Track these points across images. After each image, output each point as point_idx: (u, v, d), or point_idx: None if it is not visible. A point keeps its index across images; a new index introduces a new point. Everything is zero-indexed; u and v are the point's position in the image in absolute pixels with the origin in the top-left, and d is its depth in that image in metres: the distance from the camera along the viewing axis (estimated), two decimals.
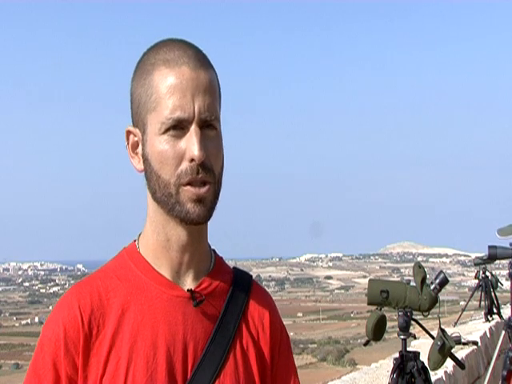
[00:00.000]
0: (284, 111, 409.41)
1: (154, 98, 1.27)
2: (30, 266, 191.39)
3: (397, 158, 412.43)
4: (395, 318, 3.84)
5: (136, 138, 1.32)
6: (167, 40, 1.32)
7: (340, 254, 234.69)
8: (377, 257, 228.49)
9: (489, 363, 7.59)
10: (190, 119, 1.25)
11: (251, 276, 1.44)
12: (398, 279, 4.13)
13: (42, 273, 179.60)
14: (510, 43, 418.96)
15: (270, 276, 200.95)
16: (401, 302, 3.75)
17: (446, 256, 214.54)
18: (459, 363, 4.14)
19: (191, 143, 1.24)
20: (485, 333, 8.56)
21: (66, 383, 1.25)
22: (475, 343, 5.62)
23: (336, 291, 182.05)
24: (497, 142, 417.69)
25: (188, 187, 1.26)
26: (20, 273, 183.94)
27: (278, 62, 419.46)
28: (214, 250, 1.41)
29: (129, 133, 1.33)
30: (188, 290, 1.30)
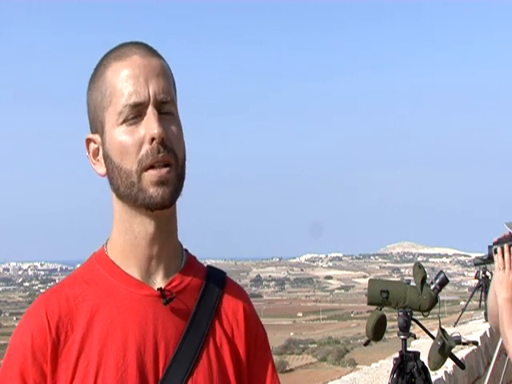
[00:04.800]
0: (284, 111, 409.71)
1: (108, 93, 1.27)
2: (29, 266, 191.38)
3: (397, 158, 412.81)
4: (395, 317, 3.84)
5: (96, 145, 1.31)
6: (118, 44, 1.34)
7: (340, 254, 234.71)
8: (377, 257, 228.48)
9: (489, 363, 7.59)
10: (146, 102, 1.25)
11: (225, 273, 1.42)
12: (398, 279, 4.13)
13: (42, 273, 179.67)
14: (510, 43, 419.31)
15: (269, 276, 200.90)
16: (401, 302, 3.75)
17: (446, 256, 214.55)
18: (459, 363, 4.14)
19: (150, 123, 1.24)
20: (485, 333, 8.56)
21: None
22: (475, 343, 5.61)
23: (336, 291, 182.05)
24: (497, 142, 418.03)
25: (150, 171, 1.24)
26: (20, 273, 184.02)
27: (278, 62, 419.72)
28: (186, 250, 1.39)
29: (89, 141, 1.32)
30: (158, 289, 1.28)
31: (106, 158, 1.28)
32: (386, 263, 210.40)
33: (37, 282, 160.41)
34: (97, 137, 1.31)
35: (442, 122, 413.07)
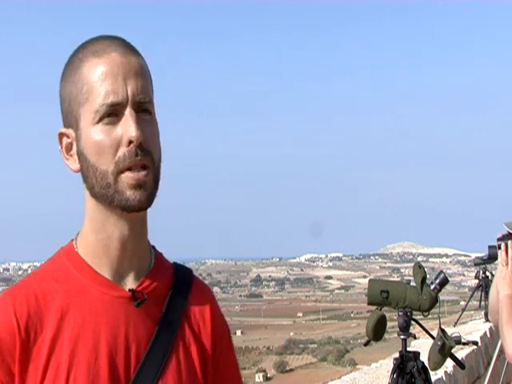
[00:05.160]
0: (284, 111, 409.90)
1: (85, 90, 1.24)
2: (30, 266, 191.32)
3: (397, 158, 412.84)
4: (395, 318, 3.84)
5: (69, 140, 1.28)
6: (94, 37, 1.30)
7: (340, 254, 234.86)
8: (377, 257, 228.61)
9: (489, 363, 7.59)
10: (123, 102, 1.22)
11: (191, 271, 1.41)
12: (398, 279, 4.13)
13: None
14: (510, 43, 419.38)
15: (270, 276, 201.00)
16: (401, 302, 3.75)
17: (446, 256, 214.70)
18: (459, 363, 4.14)
19: (127, 125, 1.21)
20: (485, 333, 8.56)
21: None
22: (475, 343, 5.62)
23: (336, 291, 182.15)
24: (497, 142, 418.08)
25: (126, 173, 1.22)
26: (20, 273, 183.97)
27: (278, 62, 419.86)
28: (153, 246, 1.37)
29: (61, 135, 1.29)
30: (129, 290, 1.27)
31: (81, 155, 1.25)
32: (386, 263, 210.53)
33: None
34: (70, 131, 1.27)
35: (442, 122, 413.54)
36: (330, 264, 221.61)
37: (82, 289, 1.26)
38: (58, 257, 1.31)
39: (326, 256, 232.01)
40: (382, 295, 3.74)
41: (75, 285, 1.26)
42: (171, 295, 1.32)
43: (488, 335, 8.60)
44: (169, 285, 1.34)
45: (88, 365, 1.21)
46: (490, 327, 8.92)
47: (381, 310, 3.80)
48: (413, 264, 3.98)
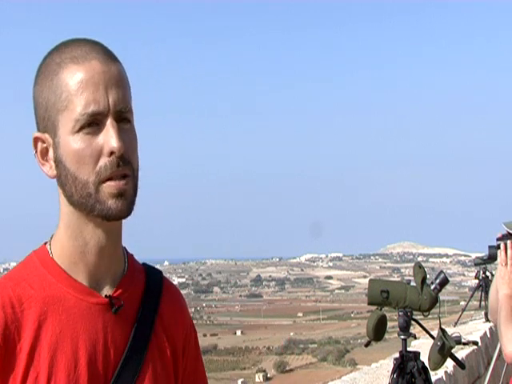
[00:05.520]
0: (284, 111, 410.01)
1: (64, 97, 1.22)
2: None
3: (397, 158, 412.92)
4: (395, 318, 3.84)
5: (45, 145, 1.26)
6: (71, 39, 1.28)
7: (340, 254, 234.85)
8: (377, 257, 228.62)
9: (489, 363, 7.60)
10: (105, 112, 1.21)
11: (161, 272, 1.43)
12: (399, 279, 4.13)
13: None
14: (510, 43, 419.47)
15: (270, 276, 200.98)
16: (401, 302, 3.75)
17: (446, 256, 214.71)
18: (459, 363, 4.14)
19: (109, 136, 1.21)
20: (485, 333, 8.56)
21: None
22: (475, 343, 5.61)
23: (336, 291, 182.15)
24: (497, 142, 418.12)
25: (108, 183, 1.21)
26: None
27: (278, 62, 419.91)
28: (124, 248, 1.37)
29: (37, 140, 1.26)
30: (106, 297, 1.27)
31: (59, 162, 1.24)
32: (386, 263, 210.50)
33: None
34: (47, 136, 1.25)
35: (442, 122, 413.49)
36: (330, 264, 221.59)
37: (58, 296, 1.24)
38: (31, 261, 1.28)
39: (326, 256, 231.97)
40: (382, 295, 3.74)
41: (51, 291, 1.24)
42: (144, 300, 1.33)
43: (488, 335, 8.60)
44: (142, 288, 1.35)
45: (68, 374, 1.20)
46: (490, 327, 8.92)
47: (381, 310, 3.80)
48: (413, 264, 3.98)
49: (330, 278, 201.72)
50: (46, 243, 1.31)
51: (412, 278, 3.84)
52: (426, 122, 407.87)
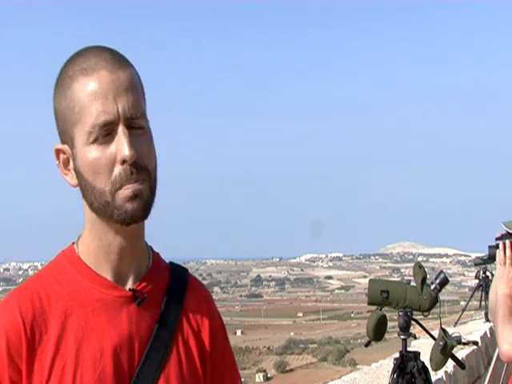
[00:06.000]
0: (284, 111, 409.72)
1: (77, 110, 1.27)
2: (30, 266, 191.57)
3: (397, 158, 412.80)
4: (395, 318, 3.84)
5: (66, 155, 1.31)
6: (83, 49, 1.32)
7: (340, 254, 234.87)
8: (377, 257, 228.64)
9: (489, 363, 7.60)
10: (115, 121, 1.25)
11: (187, 270, 1.47)
12: (399, 279, 4.13)
13: None
14: (510, 43, 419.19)
15: (270, 276, 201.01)
16: (401, 302, 3.75)
17: (446, 256, 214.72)
18: (459, 363, 4.14)
19: (120, 144, 1.24)
20: (485, 333, 8.56)
21: None
22: (475, 343, 5.60)
23: (336, 291, 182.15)
24: (497, 142, 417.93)
25: (123, 188, 1.26)
26: (20, 273, 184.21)
27: (278, 62, 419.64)
28: (150, 247, 1.42)
29: (58, 151, 1.32)
30: (130, 290, 1.32)
31: (78, 173, 1.29)
32: (386, 263, 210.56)
33: None
34: (66, 148, 1.30)
35: (442, 122, 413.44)
36: (330, 264, 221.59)
37: (84, 291, 1.31)
38: (60, 260, 1.36)
39: (326, 256, 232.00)
40: (382, 295, 3.74)
41: (78, 288, 1.31)
42: (169, 293, 1.38)
43: (488, 335, 8.60)
44: (166, 283, 1.40)
45: (94, 363, 1.26)
46: (491, 327, 8.92)
47: (381, 310, 3.80)
48: (413, 264, 3.98)
49: (330, 277, 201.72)
50: (73, 243, 1.37)
51: (412, 278, 3.84)
52: (426, 121, 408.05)
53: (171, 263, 1.46)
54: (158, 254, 1.43)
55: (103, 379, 1.25)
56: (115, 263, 1.33)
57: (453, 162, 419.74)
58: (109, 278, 1.32)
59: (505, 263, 2.88)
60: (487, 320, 9.82)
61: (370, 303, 3.87)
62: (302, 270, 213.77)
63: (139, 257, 1.36)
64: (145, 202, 1.27)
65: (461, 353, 6.66)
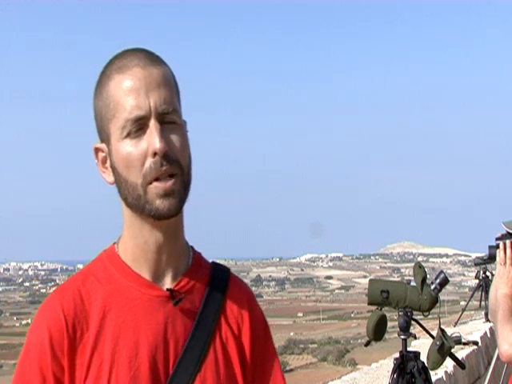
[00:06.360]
0: (284, 111, 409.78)
1: (112, 106, 1.31)
2: (30, 266, 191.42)
3: (397, 158, 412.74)
4: (395, 318, 3.84)
5: (104, 154, 1.35)
6: (120, 52, 1.36)
7: (340, 254, 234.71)
8: (377, 257, 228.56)
9: (489, 363, 7.60)
10: (147, 115, 1.28)
11: (229, 269, 1.47)
12: (399, 279, 4.13)
13: (43, 273, 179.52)
14: (509, 43, 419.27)
15: (270, 276, 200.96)
16: (401, 301, 3.75)
17: (447, 256, 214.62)
18: (460, 363, 4.15)
19: (152, 137, 1.27)
20: (485, 333, 8.57)
21: None
22: (476, 343, 5.63)
23: (336, 291, 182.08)
24: (496, 143, 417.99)
25: (154, 183, 1.28)
26: (20, 273, 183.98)
27: (278, 62, 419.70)
28: (191, 247, 1.44)
29: (97, 150, 1.37)
30: (167, 290, 1.34)
31: (114, 169, 1.33)
32: (386, 263, 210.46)
33: (37, 282, 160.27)
34: (104, 146, 1.35)
35: (442, 122, 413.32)
36: (331, 264, 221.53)
37: (122, 289, 1.34)
38: (101, 259, 1.40)
39: (326, 256, 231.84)
40: (382, 295, 3.74)
41: (116, 285, 1.35)
42: (208, 293, 1.39)
43: (488, 335, 8.60)
44: (206, 283, 1.40)
45: (129, 361, 1.28)
46: (491, 327, 8.92)
47: (381, 309, 3.81)
48: (413, 264, 3.98)
49: (330, 278, 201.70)
50: (114, 243, 1.41)
51: (412, 278, 3.85)
52: (426, 121, 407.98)
53: (213, 263, 1.47)
54: (199, 253, 1.45)
55: (138, 377, 1.27)
56: (152, 262, 1.35)
57: (453, 161, 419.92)
58: (147, 277, 1.35)
59: (505, 263, 2.89)
60: (487, 320, 9.83)
61: (370, 303, 3.87)
62: (302, 269, 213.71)
63: (178, 255, 1.38)
64: (177, 200, 1.30)
65: (461, 353, 6.67)
